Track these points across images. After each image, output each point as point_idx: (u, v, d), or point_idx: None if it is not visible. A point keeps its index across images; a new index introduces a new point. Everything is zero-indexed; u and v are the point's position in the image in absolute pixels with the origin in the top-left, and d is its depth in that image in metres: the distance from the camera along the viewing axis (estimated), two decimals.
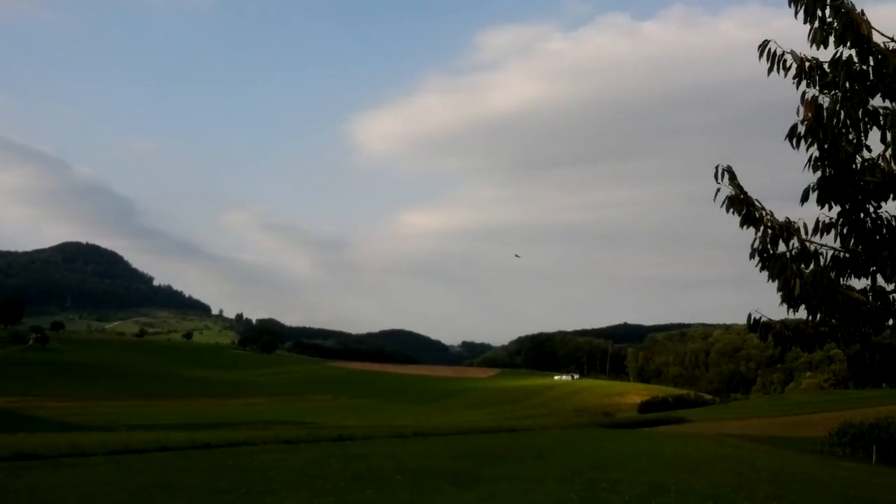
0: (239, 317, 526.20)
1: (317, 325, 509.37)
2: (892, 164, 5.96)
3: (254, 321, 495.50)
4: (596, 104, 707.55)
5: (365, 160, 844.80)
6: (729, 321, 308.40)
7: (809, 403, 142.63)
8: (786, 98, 6.23)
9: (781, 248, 6.44)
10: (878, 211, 6.00)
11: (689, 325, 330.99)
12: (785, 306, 6.07)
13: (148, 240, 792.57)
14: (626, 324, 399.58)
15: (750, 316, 6.51)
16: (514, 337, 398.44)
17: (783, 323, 6.45)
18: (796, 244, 6.39)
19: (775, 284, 6.17)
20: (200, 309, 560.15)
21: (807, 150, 5.97)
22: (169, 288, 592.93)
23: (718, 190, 6.70)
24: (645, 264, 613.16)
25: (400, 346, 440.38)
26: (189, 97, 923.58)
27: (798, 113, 6.18)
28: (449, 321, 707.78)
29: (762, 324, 6.47)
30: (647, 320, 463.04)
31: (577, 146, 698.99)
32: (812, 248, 6.25)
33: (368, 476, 20.76)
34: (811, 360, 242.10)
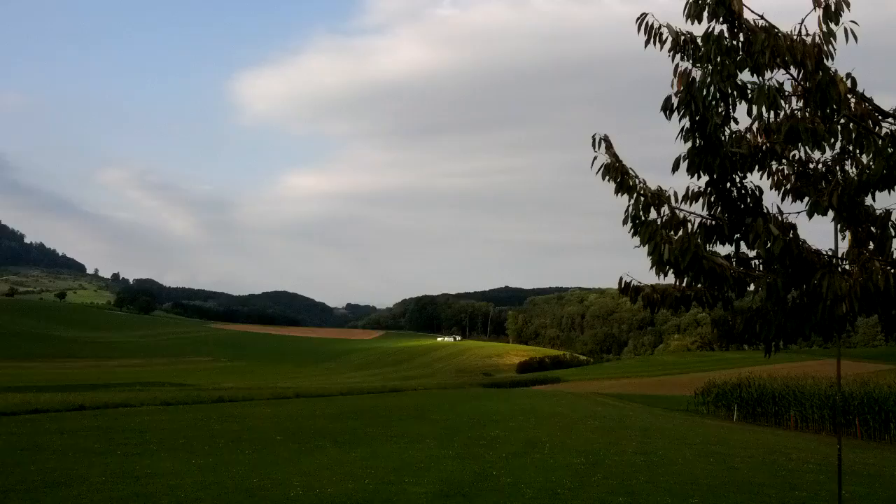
0: (115, 276, 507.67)
1: (197, 286, 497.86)
2: (759, 137, 6.30)
3: (131, 281, 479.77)
4: (483, 72, 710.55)
5: (249, 119, 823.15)
6: (604, 285, 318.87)
7: (677, 364, 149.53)
8: (662, 73, 6.47)
9: (653, 215, 6.70)
10: (743, 181, 6.32)
11: (566, 289, 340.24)
12: (654, 271, 6.36)
13: (19, 196, 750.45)
14: (507, 287, 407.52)
15: (621, 279, 6.78)
16: (399, 300, 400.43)
17: (653, 287, 6.75)
18: (666, 211, 6.66)
19: (646, 250, 6.43)
20: (75, 268, 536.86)
21: (679, 121, 6.23)
22: (41, 246, 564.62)
23: (595, 158, 6.91)
24: (527, 230, 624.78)
25: (283, 308, 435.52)
26: (65, 48, 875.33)
27: (672, 85, 6.43)
28: (334, 283, 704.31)
29: (633, 287, 6.75)
30: (528, 284, 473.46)
31: (463, 113, 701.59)
32: (681, 215, 6.53)
33: (248, 437, 20.60)
34: (679, 324, 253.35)
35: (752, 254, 6.71)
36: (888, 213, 5.63)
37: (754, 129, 6.39)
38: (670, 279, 6.72)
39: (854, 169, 6.22)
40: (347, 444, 19.41)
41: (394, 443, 20.01)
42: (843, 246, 6.40)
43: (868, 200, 6.10)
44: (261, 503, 10.82)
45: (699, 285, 6.53)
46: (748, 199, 6.34)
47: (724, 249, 6.73)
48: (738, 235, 6.51)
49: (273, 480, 12.97)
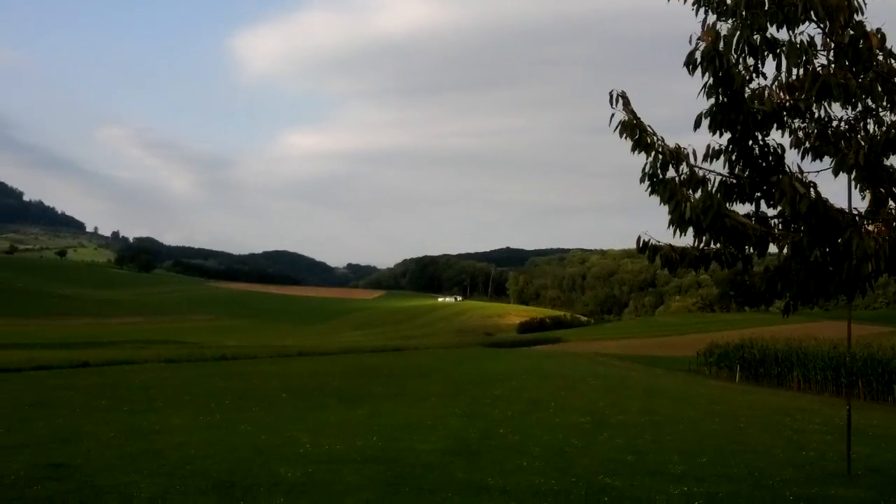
0: (115, 235, 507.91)
1: (197, 245, 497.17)
2: (782, 93, 6.15)
3: (131, 240, 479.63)
4: (484, 30, 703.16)
5: (248, 77, 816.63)
6: (605, 246, 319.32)
7: (678, 325, 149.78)
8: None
9: (671, 173, 6.60)
10: (766, 138, 6.19)
11: (567, 250, 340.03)
12: (671, 230, 6.25)
13: (18, 153, 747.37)
14: (508, 248, 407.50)
15: (639, 239, 6.68)
16: (400, 259, 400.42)
17: (671, 246, 6.66)
18: (685, 170, 6.55)
19: (656, 210, 6.32)
20: (74, 226, 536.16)
21: (702, 76, 6.08)
22: (40, 203, 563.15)
23: (612, 115, 6.79)
24: (529, 190, 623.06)
25: (283, 268, 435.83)
26: (63, 5, 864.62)
27: (690, 41, 6.27)
28: (334, 243, 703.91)
29: (651, 246, 6.66)
30: (529, 245, 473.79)
31: (464, 72, 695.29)
32: (701, 173, 6.41)
33: (254, 394, 20.68)
34: (680, 285, 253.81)
35: (771, 213, 6.61)
36: None
37: (775, 87, 6.24)
38: (687, 239, 6.64)
39: (876, 128, 6.08)
40: (352, 402, 19.47)
41: (398, 401, 20.06)
42: (861, 206, 6.29)
43: (890, 160, 5.98)
44: (270, 460, 10.81)
45: (718, 244, 6.44)
46: (770, 158, 6.23)
47: (743, 209, 6.63)
48: (759, 194, 6.40)
49: (281, 437, 13.00)
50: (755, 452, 12.97)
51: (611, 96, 6.78)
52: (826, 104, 6.08)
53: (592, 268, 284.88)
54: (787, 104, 6.09)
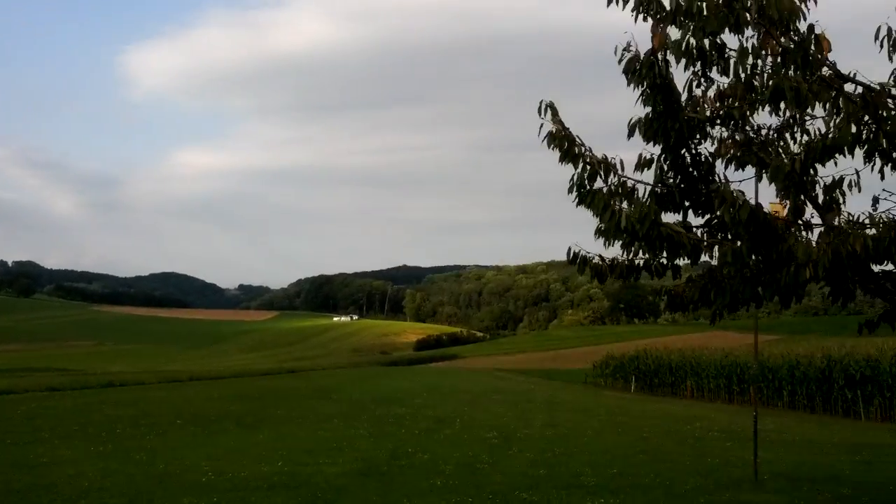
0: None
1: (81, 268, 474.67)
2: (715, 102, 6.16)
3: (10, 263, 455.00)
4: (386, 48, 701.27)
5: (141, 95, 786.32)
6: (502, 262, 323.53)
7: (571, 338, 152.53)
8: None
9: (598, 184, 6.55)
10: (698, 147, 6.18)
11: (465, 267, 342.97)
12: (604, 240, 6.16)
13: None
14: (405, 265, 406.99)
15: (570, 250, 6.59)
16: (294, 280, 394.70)
17: (600, 256, 6.58)
18: (614, 180, 6.49)
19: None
20: None
21: (640, 84, 6.02)
22: None
23: (541, 125, 6.71)
24: (427, 208, 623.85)
25: (172, 290, 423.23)
26: None
27: (614, 52, 6.22)
28: (225, 264, 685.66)
29: (581, 257, 6.56)
30: (426, 262, 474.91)
31: (364, 90, 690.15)
32: (630, 184, 6.36)
33: (146, 422, 19.70)
34: (573, 299, 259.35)
35: (697, 222, 6.62)
36: (841, 179, 5.57)
37: (709, 96, 6.27)
38: (612, 251, 6.60)
39: (799, 136, 6.17)
40: (252, 426, 18.80)
41: (300, 424, 19.49)
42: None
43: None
44: (171, 491, 10.21)
45: (647, 255, 6.39)
46: (701, 167, 6.21)
47: (670, 218, 6.61)
48: (688, 203, 6.39)
49: (181, 466, 12.34)
50: (662, 461, 13.11)
51: (539, 106, 6.70)
52: (756, 113, 6.14)
53: (488, 284, 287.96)
54: (720, 113, 6.11)
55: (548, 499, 9.75)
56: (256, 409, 23.59)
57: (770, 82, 5.08)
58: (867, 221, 4.99)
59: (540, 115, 6.70)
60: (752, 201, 6.35)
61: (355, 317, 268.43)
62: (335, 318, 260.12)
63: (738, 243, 5.27)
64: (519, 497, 9.83)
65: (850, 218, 5.14)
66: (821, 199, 5.93)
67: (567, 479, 11.20)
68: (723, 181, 6.37)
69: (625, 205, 6.11)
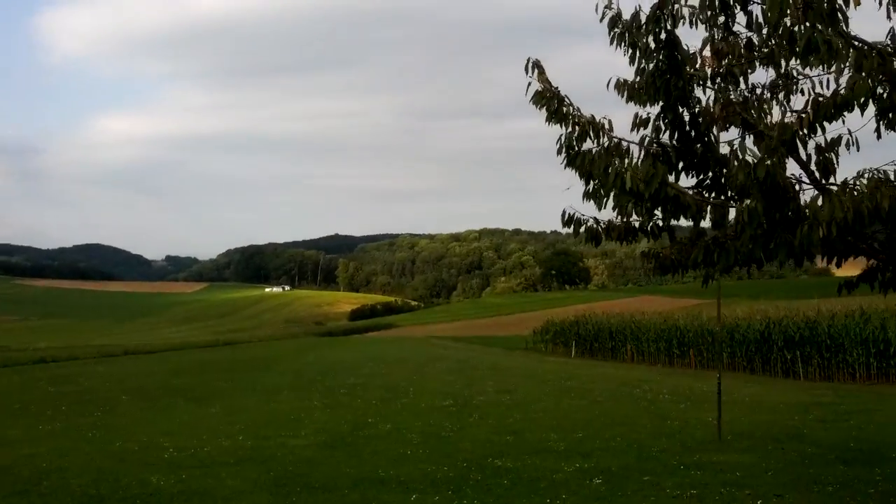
0: None
1: (1, 241, 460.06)
2: (712, 60, 6.08)
3: None
4: (313, 11, 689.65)
5: (58, 59, 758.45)
6: (434, 231, 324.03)
7: (505, 305, 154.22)
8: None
9: (587, 145, 6.44)
10: (697, 106, 6.08)
11: (397, 236, 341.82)
12: (602, 202, 6.06)
13: None
14: (337, 234, 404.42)
15: (564, 212, 6.47)
16: (223, 250, 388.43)
17: (595, 219, 6.49)
18: (605, 140, 6.39)
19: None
20: None
21: (622, 44, 5.92)
22: None
23: (529, 84, 6.57)
24: (358, 176, 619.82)
25: (98, 262, 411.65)
26: None
27: (609, 7, 6.11)
28: (152, 234, 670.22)
29: (575, 219, 6.45)
30: (358, 231, 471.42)
31: (288, 54, 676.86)
32: (624, 144, 6.25)
33: (90, 398, 19.16)
34: (505, 267, 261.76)
35: (690, 182, 6.57)
36: (839, 138, 5.55)
37: (705, 53, 6.20)
38: (604, 214, 6.54)
39: (791, 96, 6.16)
40: (201, 400, 18.43)
41: (250, 396, 19.19)
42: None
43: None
44: (134, 468, 9.88)
45: (648, 216, 6.32)
46: (699, 126, 6.13)
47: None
48: (683, 164, 6.32)
49: (138, 442, 11.99)
50: (623, 425, 13.24)
51: (526, 64, 6.55)
52: (751, 71, 6.10)
53: (422, 252, 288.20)
54: (721, 70, 6.04)
55: (522, 465, 9.73)
56: (201, 383, 23.14)
57: (802, 35, 4.97)
58: (893, 178, 4.98)
59: (527, 73, 6.56)
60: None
61: (287, 287, 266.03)
62: (267, 289, 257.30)
63: (753, 203, 5.22)
64: (493, 464, 9.78)
65: (860, 175, 5.12)
66: (814, 160, 5.92)
67: (535, 445, 11.22)
68: (716, 141, 6.34)
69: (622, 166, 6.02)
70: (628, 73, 6.54)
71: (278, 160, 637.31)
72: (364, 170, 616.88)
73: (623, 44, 6.55)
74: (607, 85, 6.68)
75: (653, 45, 5.70)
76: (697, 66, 6.04)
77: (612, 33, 6.03)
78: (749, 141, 6.41)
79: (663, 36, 5.60)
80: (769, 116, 6.43)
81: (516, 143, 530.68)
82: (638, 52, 5.84)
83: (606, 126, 6.36)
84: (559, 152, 6.48)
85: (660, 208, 5.91)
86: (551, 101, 6.44)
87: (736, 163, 5.30)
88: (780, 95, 6.05)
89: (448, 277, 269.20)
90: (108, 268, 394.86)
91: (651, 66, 5.81)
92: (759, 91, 6.18)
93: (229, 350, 50.32)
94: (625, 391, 19.29)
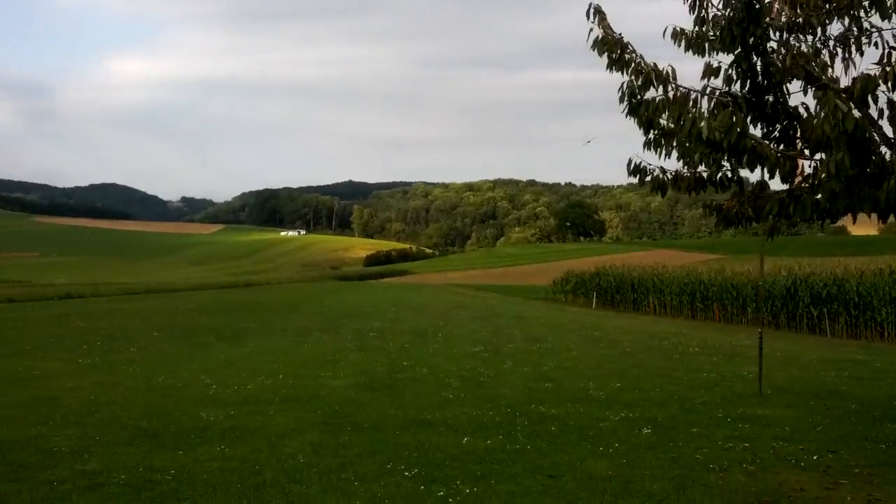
0: None
1: (17, 178, 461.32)
2: (786, 8, 5.94)
3: None
4: None
5: None
6: (448, 180, 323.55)
7: (520, 255, 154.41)
8: None
9: (650, 93, 6.36)
10: (770, 56, 5.95)
11: (411, 184, 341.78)
12: (650, 151, 6.03)
13: None
14: (351, 181, 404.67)
15: (630, 161, 6.41)
16: (238, 193, 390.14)
17: (662, 168, 6.41)
18: (671, 89, 6.30)
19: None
20: None
21: None
22: None
23: (590, 30, 6.47)
24: (371, 123, 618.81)
25: (113, 202, 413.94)
26: None
27: None
28: (167, 176, 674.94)
29: (641, 169, 6.38)
30: (372, 178, 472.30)
31: None
32: (693, 94, 6.14)
33: (122, 334, 19.38)
34: (519, 217, 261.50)
35: (759, 133, 6.45)
36: None
37: (779, 4, 6.05)
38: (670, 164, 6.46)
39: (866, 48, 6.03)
40: (232, 339, 18.61)
41: (281, 337, 19.37)
42: None
43: None
44: (182, 404, 9.98)
45: (716, 166, 6.23)
46: (773, 77, 5.99)
47: None
48: (752, 115, 6.20)
49: (179, 378, 12.12)
50: (658, 376, 13.25)
51: (588, 10, 6.46)
52: (829, 22, 5.95)
53: (436, 201, 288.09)
54: (798, 20, 5.90)
55: (566, 412, 9.76)
56: (229, 323, 23.37)
57: None
58: None
59: (588, 19, 6.49)
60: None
61: (303, 232, 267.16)
62: (283, 233, 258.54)
63: (840, 156, 5.11)
64: (537, 410, 9.82)
65: None
66: (886, 115, 5.80)
67: (574, 393, 11.24)
68: (787, 93, 6.23)
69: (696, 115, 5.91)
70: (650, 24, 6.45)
71: (291, 105, 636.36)
72: (377, 117, 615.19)
73: None
74: (663, 34, 6.58)
75: None
76: (773, 15, 5.88)
77: None
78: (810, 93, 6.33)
79: None
80: (830, 70, 6.31)
81: (529, 94, 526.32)
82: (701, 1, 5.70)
83: (670, 74, 6.27)
84: (621, 100, 6.44)
85: (734, 159, 5.80)
86: (614, 48, 6.36)
87: (822, 114, 5.18)
88: (853, 48, 5.91)
89: (462, 226, 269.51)
90: (123, 207, 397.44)
91: (729, 13, 5.67)
92: (830, 43, 6.03)
93: (250, 291, 50.73)
94: (654, 343, 19.31)
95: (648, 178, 6.42)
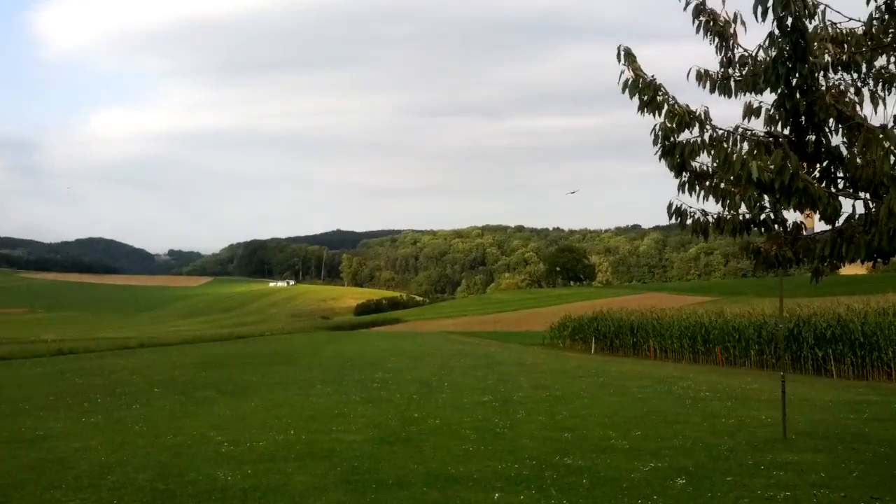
0: None
1: (2, 234, 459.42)
2: (830, 46, 5.88)
3: None
4: (311, 9, 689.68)
5: (55, 55, 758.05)
6: (435, 227, 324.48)
7: (511, 301, 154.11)
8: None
9: (684, 135, 6.29)
10: (814, 95, 5.87)
11: (399, 232, 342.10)
12: (682, 194, 5.93)
13: None
14: (339, 230, 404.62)
15: (671, 204, 6.30)
16: (226, 244, 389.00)
17: (702, 211, 6.29)
18: (707, 131, 6.23)
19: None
20: None
21: (709, 33, 5.76)
22: None
23: (621, 73, 6.42)
24: (357, 172, 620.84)
25: (100, 256, 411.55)
26: None
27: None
28: (154, 229, 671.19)
29: (682, 211, 6.26)
30: (360, 227, 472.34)
31: (288, 51, 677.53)
32: (731, 135, 6.05)
33: (123, 391, 18.96)
34: (509, 263, 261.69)
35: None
36: None
37: (825, 42, 5.99)
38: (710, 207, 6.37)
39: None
40: (236, 394, 18.22)
41: (284, 390, 18.98)
42: None
43: None
44: (196, 463, 9.67)
45: (753, 206, 6.10)
46: (815, 116, 5.90)
47: None
48: (797, 154, 6.10)
49: (188, 436, 11.78)
50: (677, 423, 13.01)
51: (618, 52, 6.42)
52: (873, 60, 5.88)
53: (424, 248, 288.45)
54: (843, 58, 5.83)
55: (593, 463, 9.50)
56: (229, 377, 22.95)
57: None
58: None
59: (619, 61, 6.43)
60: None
61: (292, 282, 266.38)
62: (272, 284, 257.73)
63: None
64: (563, 462, 9.56)
65: None
66: None
67: (597, 443, 10.99)
68: (830, 132, 6.14)
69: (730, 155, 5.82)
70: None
71: (278, 156, 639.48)
72: (363, 166, 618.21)
73: (709, 33, 6.42)
74: (687, 75, 6.53)
75: (777, 32, 5.47)
76: (816, 54, 5.82)
77: (696, 22, 5.98)
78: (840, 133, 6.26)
79: (789, 21, 5.37)
80: (860, 108, 6.25)
81: (516, 140, 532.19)
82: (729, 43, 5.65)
83: (702, 115, 6.21)
84: (654, 142, 6.37)
85: (783, 200, 5.68)
86: (646, 90, 6.28)
87: (874, 155, 5.07)
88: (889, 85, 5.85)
89: (452, 273, 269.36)
90: (110, 261, 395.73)
91: (774, 52, 5.59)
92: (870, 81, 5.97)
93: (244, 344, 50.18)
94: (663, 388, 19.04)
95: (689, 221, 6.30)
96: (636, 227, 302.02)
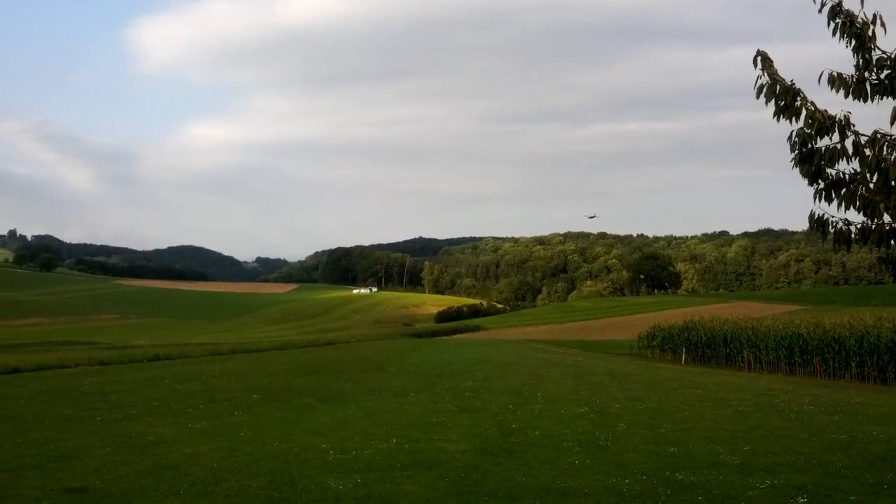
0: (12, 233, 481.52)
1: (99, 242, 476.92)
2: None
3: (29, 238, 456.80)
4: (394, 19, 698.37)
5: (151, 68, 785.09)
6: (516, 234, 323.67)
7: (593, 309, 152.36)
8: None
9: (825, 141, 6.11)
10: None
11: (480, 239, 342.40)
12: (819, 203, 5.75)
13: None
14: (421, 237, 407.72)
15: (812, 213, 6.14)
16: (311, 252, 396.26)
17: (845, 221, 6.10)
18: (836, 136, 6.03)
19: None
20: None
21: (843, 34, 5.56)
22: None
23: (757, 78, 6.27)
24: (439, 180, 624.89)
25: (190, 263, 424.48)
26: None
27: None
28: (242, 237, 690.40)
29: (824, 221, 6.10)
30: (441, 234, 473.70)
31: (372, 61, 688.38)
32: (876, 143, 5.85)
33: (222, 397, 19.43)
34: (591, 270, 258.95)
35: None
36: None
37: None
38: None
39: None
40: (332, 400, 18.46)
41: (378, 398, 19.14)
42: None
43: None
44: (305, 470, 9.83)
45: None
46: None
47: None
48: None
49: (295, 443, 11.98)
50: (785, 438, 12.62)
51: (755, 58, 6.27)
52: None
53: (505, 255, 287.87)
54: None
55: (705, 479, 9.28)
56: (324, 384, 23.28)
57: None
58: None
59: (755, 66, 6.28)
60: None
61: (374, 289, 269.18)
62: (355, 291, 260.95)
63: None
64: (674, 478, 9.37)
65: None
66: None
67: (705, 458, 10.74)
68: None
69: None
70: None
71: (362, 164, 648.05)
72: (446, 174, 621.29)
73: (845, 35, 6.21)
74: (819, 79, 6.32)
75: None
76: None
77: (832, 24, 5.78)
78: None
79: None
80: None
81: (596, 146, 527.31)
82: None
83: (843, 121, 6.01)
84: (792, 149, 6.19)
85: None
86: (784, 95, 6.11)
87: None
88: None
89: (533, 280, 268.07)
90: (200, 268, 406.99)
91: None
92: None
93: (332, 350, 50.94)
94: (764, 401, 18.54)
95: (831, 231, 6.13)
96: (724, 234, 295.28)
